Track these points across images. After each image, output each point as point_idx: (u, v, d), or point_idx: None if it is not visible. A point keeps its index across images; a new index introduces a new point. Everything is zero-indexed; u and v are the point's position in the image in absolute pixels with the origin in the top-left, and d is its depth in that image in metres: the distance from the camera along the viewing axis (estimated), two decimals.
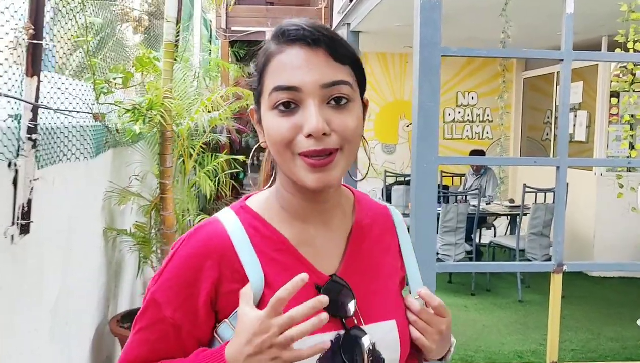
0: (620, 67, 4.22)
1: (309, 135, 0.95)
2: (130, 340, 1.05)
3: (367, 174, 1.18)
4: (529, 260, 6.07)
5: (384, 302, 1.10)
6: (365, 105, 1.08)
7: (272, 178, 1.13)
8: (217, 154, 4.73)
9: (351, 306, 1.04)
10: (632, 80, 4.04)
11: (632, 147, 4.20)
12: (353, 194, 1.19)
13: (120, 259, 3.97)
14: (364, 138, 1.08)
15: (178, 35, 3.83)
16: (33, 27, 2.10)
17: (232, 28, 9.56)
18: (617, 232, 6.69)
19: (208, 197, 4.54)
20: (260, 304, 0.98)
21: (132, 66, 3.45)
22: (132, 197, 3.68)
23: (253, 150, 1.20)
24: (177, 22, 3.77)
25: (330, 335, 1.01)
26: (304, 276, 0.91)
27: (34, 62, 2.17)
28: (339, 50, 0.99)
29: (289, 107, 0.97)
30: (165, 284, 1.02)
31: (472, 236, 6.35)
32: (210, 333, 1.03)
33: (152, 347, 1.02)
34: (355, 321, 1.04)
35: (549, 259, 6.12)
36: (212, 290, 1.00)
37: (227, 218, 1.06)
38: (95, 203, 3.42)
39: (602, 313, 5.62)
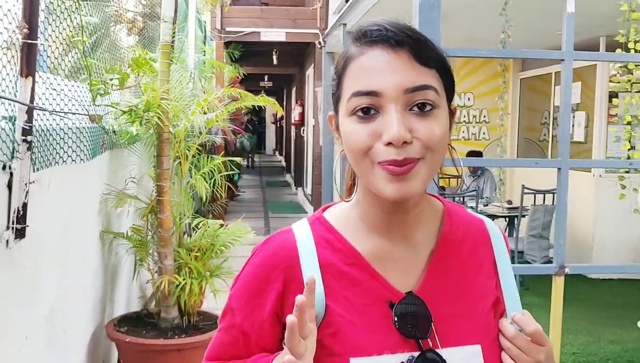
0: (620, 67, 4.19)
1: (389, 144, 0.89)
2: (214, 337, 1.09)
3: (459, 187, 1.10)
4: (527, 262, 6.04)
5: (469, 325, 1.00)
6: (452, 113, 1.00)
7: (354, 189, 1.06)
8: (212, 156, 4.68)
9: (428, 327, 0.97)
10: (633, 80, 4.01)
11: (632, 148, 4.16)
12: (443, 205, 1.09)
13: (117, 262, 3.92)
14: (452, 147, 1.02)
15: (174, 36, 3.78)
16: (27, 26, 2.04)
17: (227, 29, 9.51)
18: (616, 233, 6.66)
19: (204, 199, 4.50)
20: (324, 319, 0.96)
21: (129, 67, 3.40)
22: (129, 199, 3.62)
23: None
24: (173, 23, 3.71)
25: (402, 357, 0.95)
26: (310, 277, 0.89)
27: (29, 62, 2.11)
28: (425, 52, 0.93)
29: (369, 112, 0.91)
30: (238, 292, 1.04)
31: None
32: (279, 344, 1.02)
33: (227, 350, 1.06)
34: (431, 344, 0.97)
35: (548, 261, 6.09)
36: (277, 301, 1.00)
37: (300, 229, 1.04)
38: (91, 206, 3.36)
39: (602, 315, 5.57)
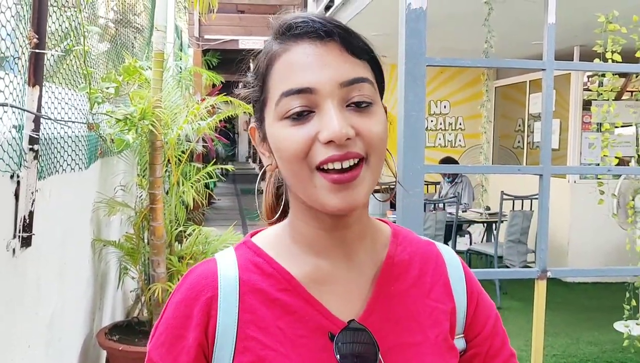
0: (600, 75, 4.33)
1: (330, 142, 0.78)
2: None
3: (393, 193, 1.01)
4: (506, 267, 6.15)
5: (422, 356, 0.88)
6: (385, 111, 0.88)
7: (277, 211, 0.97)
8: (192, 164, 4.70)
9: (375, 360, 0.84)
10: (609, 89, 4.14)
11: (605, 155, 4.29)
12: (389, 227, 0.98)
13: (106, 271, 3.91)
14: (389, 152, 0.90)
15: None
16: (37, 36, 2.05)
17: (206, 36, 9.52)
18: (591, 238, 6.82)
19: (192, 207, 4.51)
20: (250, 353, 0.84)
21: (120, 75, 3.41)
22: (120, 207, 3.63)
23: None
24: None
25: None
26: None
27: (36, 71, 2.13)
28: (356, 42, 0.83)
29: (303, 114, 0.81)
30: (159, 340, 0.88)
31: (448, 243, 6.41)
32: None
33: None
34: None
35: (526, 266, 6.22)
36: (203, 341, 0.85)
37: (224, 256, 0.91)
38: (86, 214, 3.37)
39: (579, 318, 5.71)
